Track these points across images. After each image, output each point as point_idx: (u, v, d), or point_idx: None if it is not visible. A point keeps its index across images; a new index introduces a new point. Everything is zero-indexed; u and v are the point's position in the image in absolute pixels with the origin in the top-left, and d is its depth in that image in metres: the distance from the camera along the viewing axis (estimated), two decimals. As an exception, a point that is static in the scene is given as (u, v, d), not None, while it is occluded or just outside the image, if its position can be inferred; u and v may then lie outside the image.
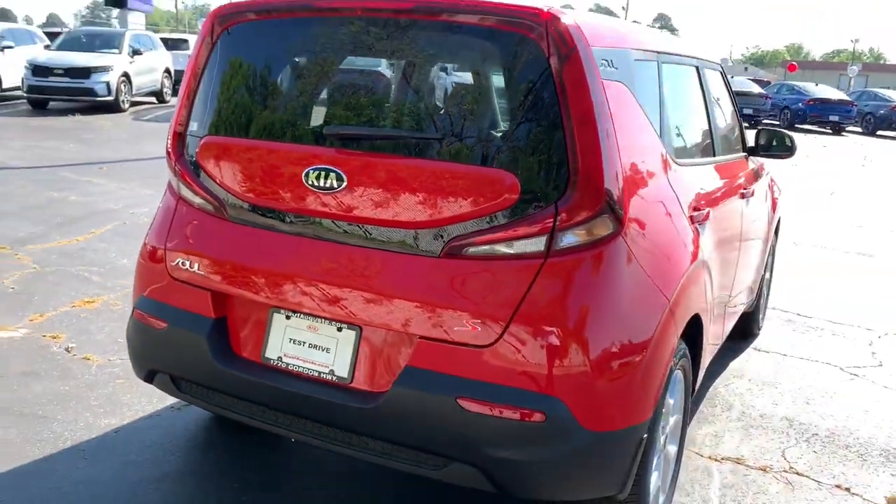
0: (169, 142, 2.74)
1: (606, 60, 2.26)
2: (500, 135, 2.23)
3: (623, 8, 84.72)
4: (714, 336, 3.32)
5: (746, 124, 19.03)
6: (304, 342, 2.40)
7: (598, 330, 2.15)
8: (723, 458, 3.36)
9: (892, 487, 3.22)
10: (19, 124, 13.94)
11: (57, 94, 15.77)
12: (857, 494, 3.14)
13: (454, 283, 2.19)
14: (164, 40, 21.09)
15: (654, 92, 2.68)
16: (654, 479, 2.60)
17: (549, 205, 2.14)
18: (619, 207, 2.19)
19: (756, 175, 4.18)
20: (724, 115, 3.84)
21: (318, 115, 2.46)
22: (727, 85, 4.07)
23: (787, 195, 11.11)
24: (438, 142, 2.25)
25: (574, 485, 2.22)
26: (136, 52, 17.27)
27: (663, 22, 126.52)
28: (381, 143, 2.33)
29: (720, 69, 3.98)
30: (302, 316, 2.40)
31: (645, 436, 2.28)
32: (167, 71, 19.02)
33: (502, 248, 2.17)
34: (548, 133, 2.15)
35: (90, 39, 17.68)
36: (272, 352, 2.44)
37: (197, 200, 2.62)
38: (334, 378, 2.34)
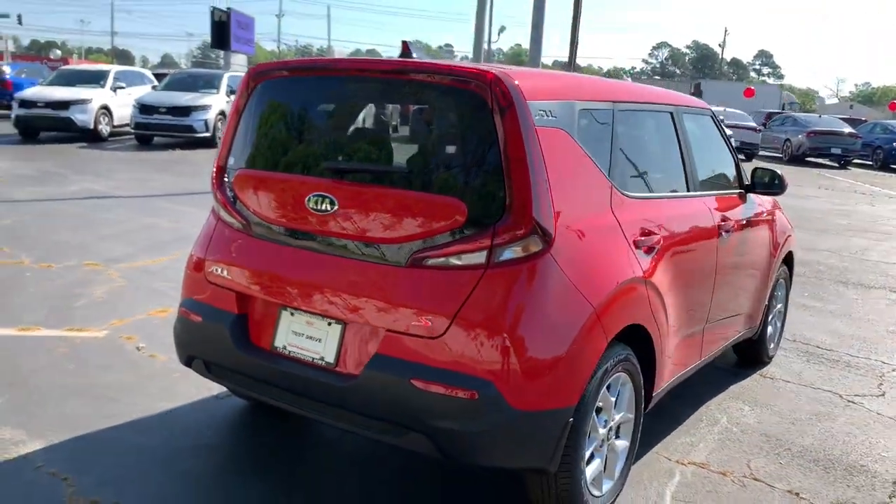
0: (213, 173, 3.40)
1: (544, 111, 2.78)
2: (453, 169, 2.77)
3: (720, 45, 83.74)
4: (682, 354, 3.71)
5: (836, 164, 18.99)
6: (303, 334, 2.97)
7: (525, 326, 2.63)
8: (689, 463, 3.73)
9: (843, 496, 3.52)
10: (126, 158, 15.35)
11: (160, 131, 17.25)
12: (805, 499, 3.46)
13: (415, 288, 2.72)
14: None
15: (604, 136, 3.16)
16: (596, 465, 3.04)
17: (489, 227, 2.66)
18: (548, 230, 2.68)
19: (750, 210, 4.54)
20: (709, 155, 4.25)
21: (320, 152, 3.07)
22: (718, 128, 4.47)
23: (853, 235, 11.10)
24: (406, 174, 2.82)
25: (505, 454, 2.69)
26: (233, 92, 18.65)
27: (764, 59, 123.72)
28: (364, 175, 2.92)
29: (709, 114, 4.40)
30: (302, 313, 2.98)
31: (571, 419, 2.73)
32: (261, 109, 20.30)
33: (453, 260, 2.70)
34: (490, 169, 2.68)
35: (193, 80, 19.22)
36: (279, 341, 3.03)
37: (230, 220, 3.26)
38: (324, 363, 2.90)
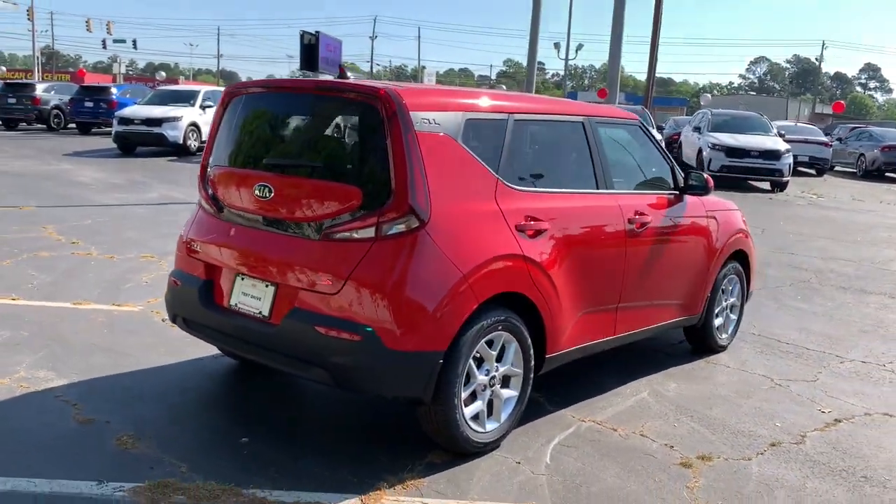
0: (199, 170, 4.30)
1: (427, 120, 3.52)
2: (354, 164, 3.56)
3: (815, 59, 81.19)
4: (588, 327, 4.33)
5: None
6: (249, 294, 3.81)
7: (400, 286, 3.39)
8: (589, 420, 4.35)
9: (714, 450, 4.07)
10: (206, 170, 16.78)
11: (241, 146, 18.66)
12: (676, 450, 4.04)
13: (323, 256, 3.52)
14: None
15: (497, 140, 3.86)
16: (477, 405, 3.74)
17: (377, 209, 3.42)
18: (423, 212, 3.42)
19: (682, 209, 5.10)
20: (632, 160, 4.88)
21: (265, 151, 3.92)
22: (648, 137, 5.07)
23: (887, 247, 11.17)
24: (321, 168, 3.63)
25: (384, 384, 3.45)
26: None
27: (870, 73, 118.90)
28: (292, 168, 3.74)
29: (637, 125, 5.01)
30: (249, 277, 3.81)
31: (441, 361, 3.45)
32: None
33: (353, 234, 3.48)
34: (379, 164, 3.45)
35: None
36: (233, 300, 3.87)
37: (206, 207, 4.15)
38: (262, 316, 3.72)
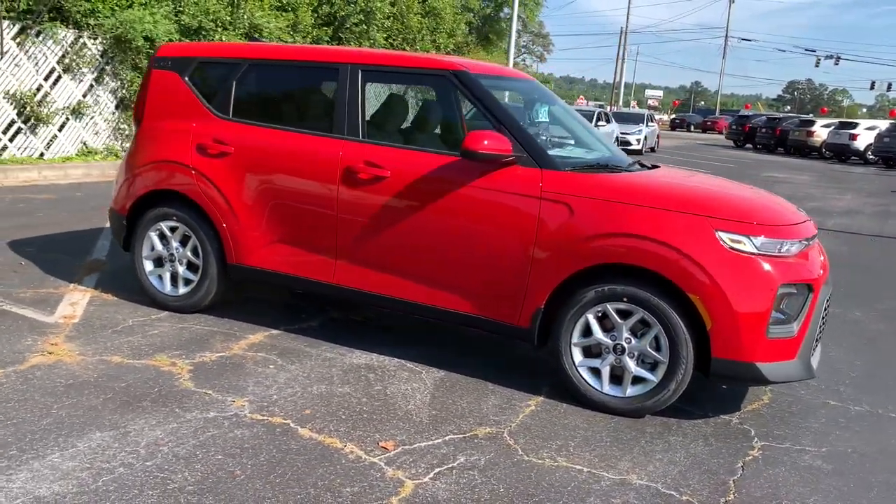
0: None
1: (163, 61, 5.08)
2: None
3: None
4: (292, 258, 4.65)
5: None
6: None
7: (122, 168, 5.25)
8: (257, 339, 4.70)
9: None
10: None
11: None
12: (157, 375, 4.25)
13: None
14: None
15: (223, 78, 4.89)
16: (168, 270, 5.07)
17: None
18: (138, 122, 5.16)
19: (468, 176, 4.16)
20: (412, 114, 4.45)
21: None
22: (463, 94, 4.31)
23: None
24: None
25: (114, 234, 5.33)
26: None
27: None
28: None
29: (444, 77, 4.34)
30: None
31: (125, 223, 5.11)
32: None
33: (138, 134, 5.47)
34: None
35: None
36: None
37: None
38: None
